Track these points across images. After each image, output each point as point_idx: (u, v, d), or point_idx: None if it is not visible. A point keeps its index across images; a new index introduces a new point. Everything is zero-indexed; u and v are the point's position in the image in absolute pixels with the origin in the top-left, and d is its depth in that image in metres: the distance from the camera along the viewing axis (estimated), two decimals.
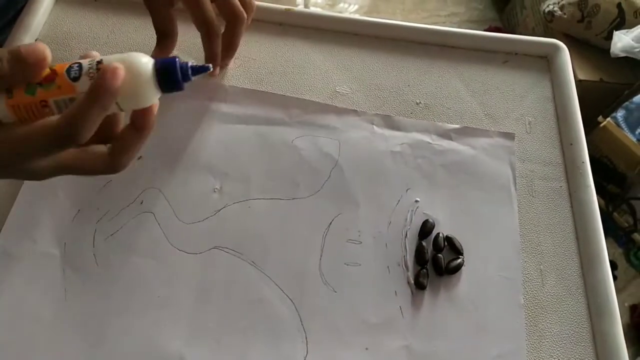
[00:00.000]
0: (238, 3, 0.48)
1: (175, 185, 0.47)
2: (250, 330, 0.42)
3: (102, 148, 0.35)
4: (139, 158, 0.48)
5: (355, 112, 0.53)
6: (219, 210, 0.47)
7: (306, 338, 0.42)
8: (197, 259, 0.44)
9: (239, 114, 0.52)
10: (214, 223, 0.46)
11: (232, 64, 0.56)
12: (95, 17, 0.57)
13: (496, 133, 0.53)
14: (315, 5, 2.11)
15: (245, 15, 0.49)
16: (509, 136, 0.53)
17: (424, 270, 0.45)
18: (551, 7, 1.60)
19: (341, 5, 2.12)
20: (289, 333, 0.42)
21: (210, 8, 0.46)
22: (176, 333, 0.41)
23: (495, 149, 0.52)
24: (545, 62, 0.60)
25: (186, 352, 0.40)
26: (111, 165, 0.35)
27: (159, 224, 0.46)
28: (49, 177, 0.35)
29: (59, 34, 0.56)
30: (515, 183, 0.51)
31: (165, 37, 0.49)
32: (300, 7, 2.02)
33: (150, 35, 0.57)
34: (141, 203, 0.46)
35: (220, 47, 0.49)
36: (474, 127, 0.53)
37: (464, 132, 0.53)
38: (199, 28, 0.47)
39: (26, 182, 0.46)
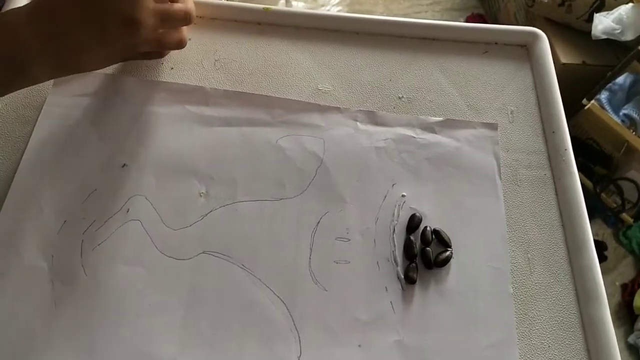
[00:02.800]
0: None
1: (161, 192, 0.47)
2: (243, 334, 0.42)
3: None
4: (122, 166, 0.48)
5: (338, 109, 0.53)
6: (206, 215, 0.47)
7: (299, 338, 0.42)
8: (186, 264, 0.44)
9: (222, 116, 0.52)
10: (202, 227, 0.46)
11: (214, 65, 0.55)
12: None
13: (479, 124, 0.53)
14: None
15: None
16: (492, 126, 0.53)
17: (413, 264, 0.46)
18: None
19: None
20: (282, 334, 0.42)
21: None
22: (169, 340, 0.41)
23: (479, 140, 0.52)
24: (525, 51, 0.60)
25: (180, 359, 0.40)
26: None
27: (146, 231, 0.45)
28: (143, 48, 0.48)
29: None
30: (500, 173, 0.51)
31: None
32: (282, 3, 2.02)
33: None
34: (127, 211, 0.46)
35: None
36: (457, 119, 0.54)
37: (447, 125, 0.53)
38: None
39: (9, 196, 0.46)
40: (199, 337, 0.42)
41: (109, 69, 0.54)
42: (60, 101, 0.51)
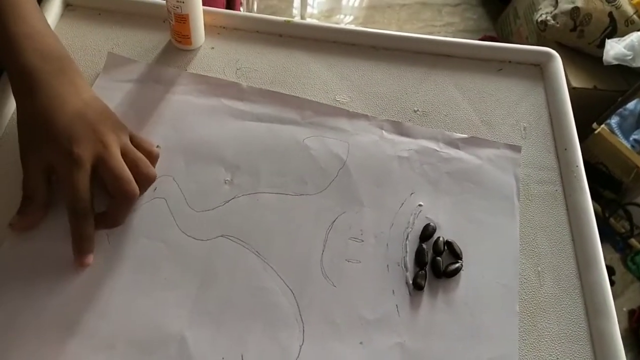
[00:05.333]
0: (129, 180, 0.43)
1: (189, 175, 0.49)
2: (250, 317, 0.43)
3: None
4: (156, 147, 0.50)
5: (366, 116, 0.55)
6: (229, 201, 0.48)
7: (303, 328, 0.43)
8: (204, 245, 0.46)
9: (254, 112, 0.54)
10: (223, 212, 0.48)
11: (235, 74, 0.57)
12: (100, 31, 0.59)
13: (502, 144, 0.54)
14: (312, 16, 2.13)
15: (136, 192, 0.43)
16: (515, 148, 0.54)
17: (423, 271, 0.46)
18: (544, 16, 1.63)
19: (337, 16, 2.15)
20: (287, 322, 0.43)
21: (83, 191, 0.42)
22: (179, 315, 0.42)
23: (501, 160, 0.54)
24: (539, 70, 0.61)
25: (187, 333, 0.42)
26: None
27: (170, 209, 0.47)
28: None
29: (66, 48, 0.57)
30: (519, 195, 0.52)
31: (29, 201, 0.43)
32: (297, 19, 2.05)
33: (154, 46, 0.58)
34: (155, 189, 0.48)
35: (92, 227, 0.43)
36: (480, 137, 0.55)
37: (471, 142, 0.54)
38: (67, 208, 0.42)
39: None
40: (207, 316, 0.43)
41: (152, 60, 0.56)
42: (106, 84, 0.54)
